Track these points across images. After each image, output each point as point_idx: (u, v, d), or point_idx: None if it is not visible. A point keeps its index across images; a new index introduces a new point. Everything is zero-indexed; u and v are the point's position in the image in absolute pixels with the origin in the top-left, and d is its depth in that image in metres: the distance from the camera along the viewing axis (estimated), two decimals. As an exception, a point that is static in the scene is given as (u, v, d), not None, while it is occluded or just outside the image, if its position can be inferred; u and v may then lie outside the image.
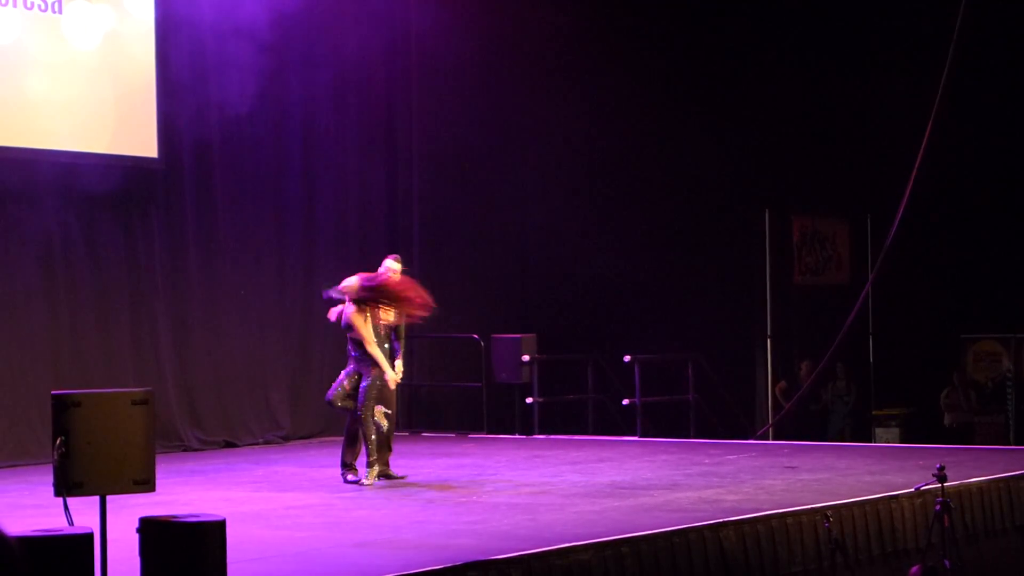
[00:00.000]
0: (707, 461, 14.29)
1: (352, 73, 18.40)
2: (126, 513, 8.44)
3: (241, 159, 17.34)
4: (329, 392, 12.81)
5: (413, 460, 13.25)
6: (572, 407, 18.98)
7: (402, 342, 12.96)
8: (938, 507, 10.62)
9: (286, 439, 17.42)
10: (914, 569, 9.01)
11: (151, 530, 7.69)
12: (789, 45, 20.84)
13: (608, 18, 20.10)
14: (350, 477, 12.68)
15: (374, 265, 13.45)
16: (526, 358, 18.17)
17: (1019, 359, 21.10)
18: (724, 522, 9.98)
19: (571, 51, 20.03)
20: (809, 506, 10.62)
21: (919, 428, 20.80)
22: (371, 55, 18.63)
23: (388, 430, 12.78)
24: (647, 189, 20.45)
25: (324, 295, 12.84)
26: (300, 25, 17.62)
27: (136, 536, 7.72)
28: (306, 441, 17.42)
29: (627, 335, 19.57)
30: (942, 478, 10.58)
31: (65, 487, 7.88)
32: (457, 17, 18.75)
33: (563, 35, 19.94)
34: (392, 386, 12.67)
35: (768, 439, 18.66)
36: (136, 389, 8.43)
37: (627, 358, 18.19)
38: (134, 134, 16.14)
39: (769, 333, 21.32)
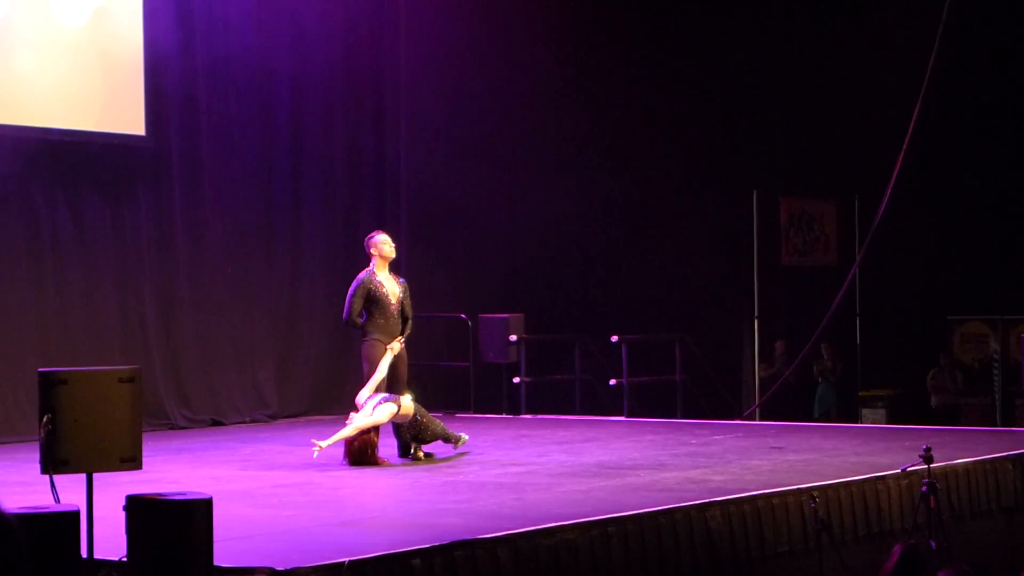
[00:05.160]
0: (694, 441, 14.30)
1: (340, 51, 18.36)
2: (113, 491, 8.43)
3: (229, 137, 17.31)
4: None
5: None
6: (559, 387, 18.99)
7: (409, 321, 13.21)
8: (924, 488, 10.64)
9: (273, 418, 17.42)
10: (896, 548, 9.00)
11: (137, 508, 7.68)
12: (777, 25, 20.83)
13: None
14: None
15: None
16: (513, 338, 18.17)
17: (1006, 340, 21.13)
18: (710, 502, 9.98)
19: (560, 28, 19.99)
20: (795, 486, 10.63)
21: (906, 409, 20.83)
22: (360, 32, 18.59)
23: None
24: (635, 169, 20.45)
25: None
26: (289, 2, 17.60)
27: (123, 513, 7.71)
28: (293, 420, 17.41)
29: (615, 315, 19.58)
30: (928, 459, 10.60)
31: (52, 464, 7.87)
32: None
33: (552, 11, 19.90)
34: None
35: (755, 420, 18.69)
36: (123, 367, 8.42)
37: (614, 338, 18.19)
38: (122, 111, 16.10)
39: (756, 314, 21.34)
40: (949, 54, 17.42)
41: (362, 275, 13.14)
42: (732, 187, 21.04)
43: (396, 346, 12.99)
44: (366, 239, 13.38)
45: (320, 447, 12.33)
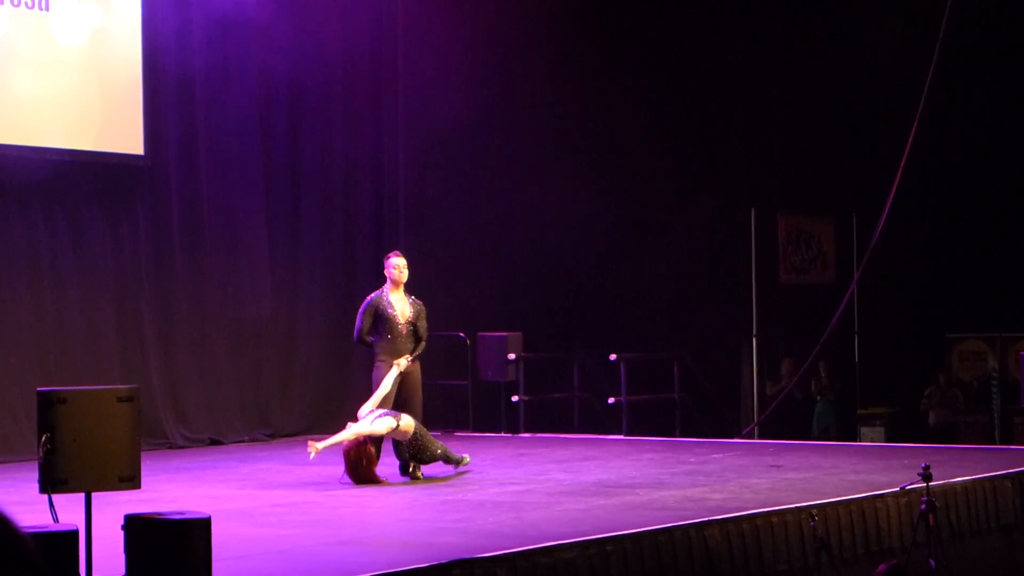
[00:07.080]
0: (692, 460, 14.30)
1: (338, 65, 18.39)
2: (111, 510, 8.44)
3: (227, 156, 17.33)
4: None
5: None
6: (558, 405, 18.98)
7: (422, 342, 13.23)
8: (923, 506, 10.64)
9: (272, 437, 17.41)
10: (881, 567, 9.00)
11: (136, 527, 7.68)
12: (774, 42, 20.84)
13: (597, 12, 20.11)
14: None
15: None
16: (512, 356, 18.16)
17: (1004, 358, 21.12)
18: (709, 521, 9.98)
19: (559, 45, 20.01)
20: (794, 505, 10.63)
21: (904, 427, 20.81)
22: (358, 46, 18.62)
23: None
24: (633, 187, 20.46)
25: None
26: (286, 18, 17.62)
27: (121, 533, 7.71)
28: (292, 439, 17.39)
29: (613, 333, 19.57)
30: (927, 477, 10.60)
31: (50, 484, 7.87)
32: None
33: (550, 28, 19.92)
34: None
35: (753, 438, 18.68)
36: (122, 386, 8.43)
37: (613, 356, 18.19)
38: (120, 131, 16.12)
39: (755, 332, 21.33)
40: (947, 71, 17.44)
41: (373, 295, 13.21)
42: (730, 205, 21.04)
43: (402, 363, 12.98)
44: (384, 258, 13.51)
45: (316, 449, 12.39)
